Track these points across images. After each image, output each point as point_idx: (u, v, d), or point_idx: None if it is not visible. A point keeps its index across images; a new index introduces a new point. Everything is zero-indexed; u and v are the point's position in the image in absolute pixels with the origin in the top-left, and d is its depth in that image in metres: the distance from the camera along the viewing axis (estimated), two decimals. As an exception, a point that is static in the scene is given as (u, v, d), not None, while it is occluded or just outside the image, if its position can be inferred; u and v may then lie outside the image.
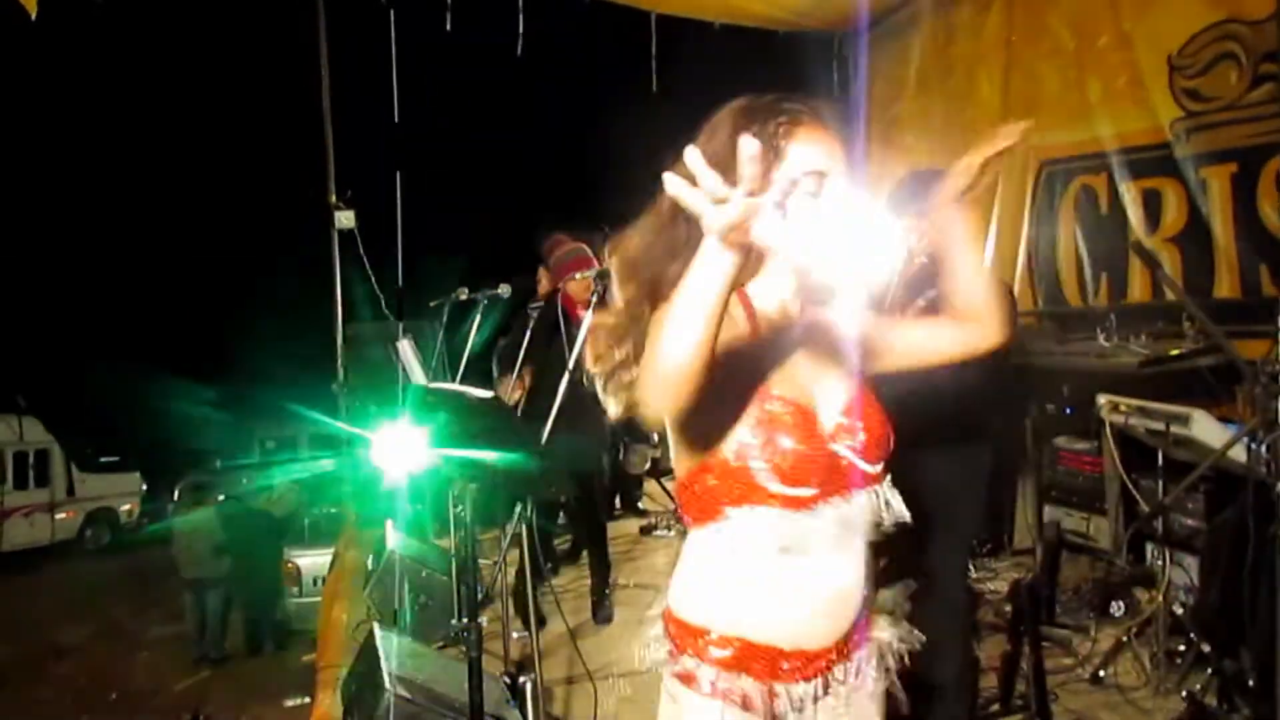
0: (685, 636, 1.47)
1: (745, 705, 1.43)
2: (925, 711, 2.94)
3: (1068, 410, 4.71)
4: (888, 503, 1.48)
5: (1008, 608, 3.89)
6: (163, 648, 11.02)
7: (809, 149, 1.43)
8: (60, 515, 17.20)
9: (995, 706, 3.35)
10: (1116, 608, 4.08)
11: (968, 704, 3.03)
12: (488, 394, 2.24)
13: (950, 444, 2.77)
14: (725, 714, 1.43)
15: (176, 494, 11.41)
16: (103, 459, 18.78)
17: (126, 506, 18.58)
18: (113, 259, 22.69)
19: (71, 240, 22.47)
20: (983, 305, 1.59)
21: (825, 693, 1.48)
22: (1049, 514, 4.75)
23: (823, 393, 1.48)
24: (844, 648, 1.50)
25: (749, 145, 1.01)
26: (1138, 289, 5.09)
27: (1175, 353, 4.16)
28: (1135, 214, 5.05)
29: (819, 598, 1.44)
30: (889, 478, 1.51)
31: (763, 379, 1.41)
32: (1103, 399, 3.77)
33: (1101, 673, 3.60)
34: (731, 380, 1.34)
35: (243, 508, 11.60)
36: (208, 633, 10.47)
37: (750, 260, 1.13)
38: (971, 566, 4.47)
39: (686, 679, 1.46)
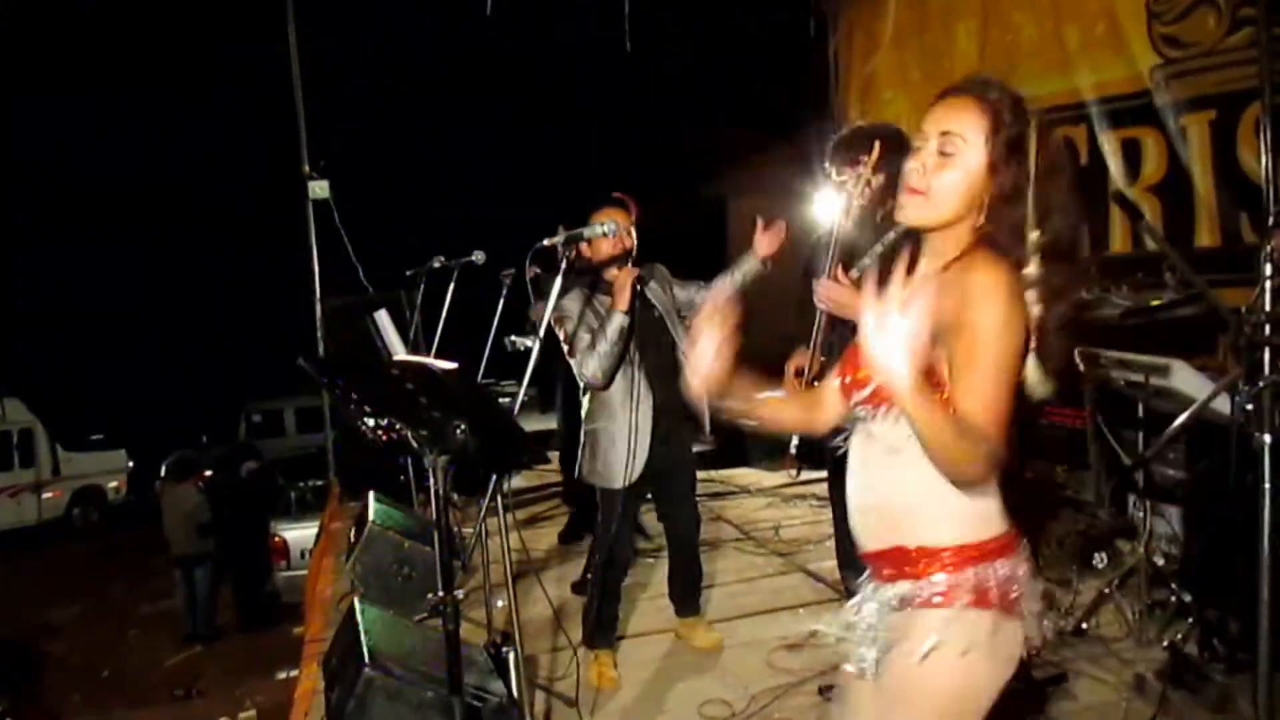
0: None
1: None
2: None
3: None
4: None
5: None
6: (154, 624, 11.02)
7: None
8: (47, 495, 17.09)
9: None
10: (1099, 560, 4.10)
11: None
12: (453, 365, 2.19)
13: None
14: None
15: (163, 471, 11.32)
16: (88, 438, 18.66)
17: (114, 484, 18.48)
18: (90, 236, 22.41)
19: (47, 217, 22.16)
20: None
21: (879, 594, 1.75)
22: (1031, 468, 4.76)
23: None
24: (900, 564, 1.68)
25: None
26: (1118, 240, 5.06)
27: (1156, 303, 4.13)
28: (1115, 164, 5.01)
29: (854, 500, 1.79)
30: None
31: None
32: (1083, 351, 3.75)
33: (1084, 625, 3.61)
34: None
35: (229, 483, 11.55)
36: (198, 608, 10.46)
37: None
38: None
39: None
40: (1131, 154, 4.93)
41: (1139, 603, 3.59)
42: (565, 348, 3.58)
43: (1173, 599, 3.54)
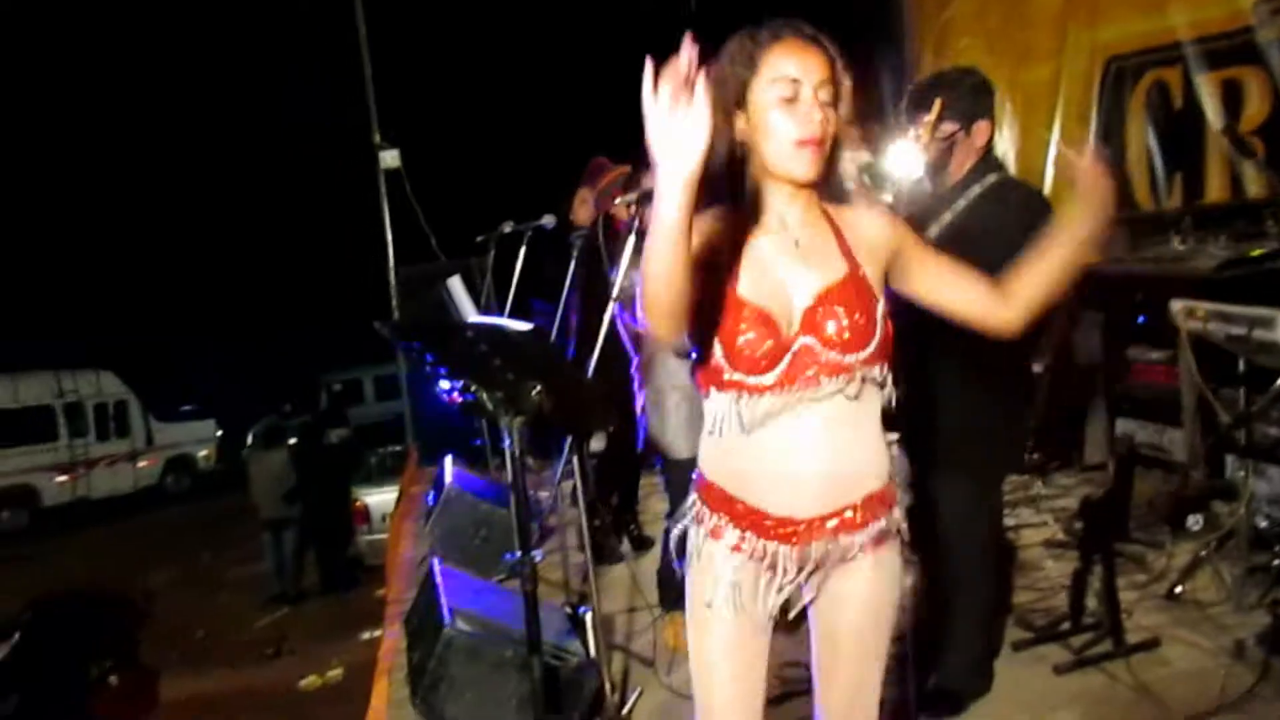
0: (709, 496, 1.68)
1: (756, 558, 1.65)
2: (946, 649, 2.89)
3: (1140, 319, 4.51)
4: (858, 393, 1.61)
5: (1078, 525, 3.78)
6: (243, 587, 11.42)
7: (782, 59, 1.56)
8: (141, 463, 17.83)
9: (1065, 625, 3.27)
10: (1194, 522, 3.94)
11: (982, 645, 2.96)
12: (529, 326, 2.18)
13: (969, 381, 2.64)
14: (741, 565, 1.66)
15: (250, 439, 11.68)
16: (179, 408, 19.38)
17: (204, 453, 19.19)
18: (174, 213, 23.07)
19: (133, 194, 22.85)
20: (1035, 307, 1.74)
21: (829, 559, 1.67)
22: (1121, 428, 4.59)
23: (798, 290, 1.61)
24: (852, 522, 1.65)
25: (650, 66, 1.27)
26: (1215, 188, 4.81)
27: (1257, 253, 3.93)
28: (1212, 107, 4.74)
29: (790, 472, 1.61)
30: (880, 370, 1.64)
31: (734, 282, 1.59)
32: (1177, 304, 3.58)
33: (1178, 589, 3.48)
34: (708, 286, 1.54)
35: (313, 450, 11.87)
36: (285, 571, 10.81)
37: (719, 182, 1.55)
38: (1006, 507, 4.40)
39: (714, 533, 1.67)
40: (1231, 96, 4.67)
41: (1238, 566, 3.44)
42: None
43: (1275, 563, 3.38)
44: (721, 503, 1.66)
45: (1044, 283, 1.72)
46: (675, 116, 1.28)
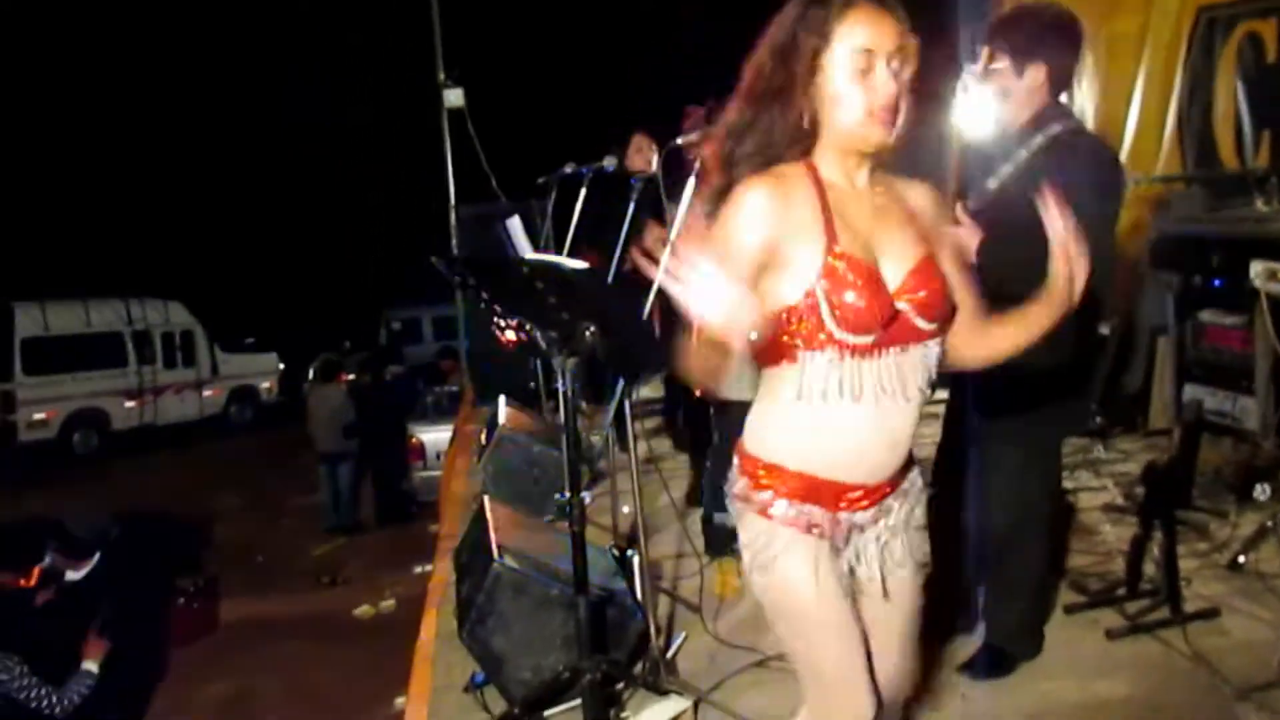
0: (759, 471, 1.64)
1: (811, 531, 1.62)
2: (997, 608, 2.85)
3: (1215, 282, 4.35)
4: (932, 359, 1.62)
5: (1139, 490, 3.70)
6: (302, 516, 11.72)
7: (854, 29, 1.52)
8: (207, 393, 18.29)
9: (1121, 590, 3.21)
10: (1261, 492, 3.84)
11: (1035, 607, 2.90)
12: (584, 265, 2.16)
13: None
14: (794, 540, 1.61)
15: (310, 373, 11.92)
16: (243, 340, 19.81)
17: (266, 385, 19.60)
18: (240, 149, 23.36)
19: (200, 132, 23.19)
20: (995, 360, 1.77)
21: (879, 520, 1.68)
22: (1189, 393, 4.45)
23: (889, 254, 1.60)
24: (897, 482, 1.69)
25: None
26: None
27: (1346, 216, 3.75)
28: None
29: (875, 437, 1.60)
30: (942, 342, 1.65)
31: (833, 241, 1.54)
32: (1258, 266, 3.44)
33: (1241, 559, 3.39)
34: (800, 239, 1.54)
35: (371, 386, 12.08)
36: (341, 503, 11.07)
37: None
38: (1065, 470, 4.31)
39: (762, 510, 1.63)
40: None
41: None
42: None
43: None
44: (790, 480, 1.62)
45: (1014, 343, 1.73)
46: (698, 286, 1.36)
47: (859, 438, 1.59)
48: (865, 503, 1.65)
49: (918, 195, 1.71)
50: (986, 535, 2.78)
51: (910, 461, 1.71)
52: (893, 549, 1.71)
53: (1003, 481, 2.69)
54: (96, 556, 5.20)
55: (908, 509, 1.72)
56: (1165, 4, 5.27)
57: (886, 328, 1.54)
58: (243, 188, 23.69)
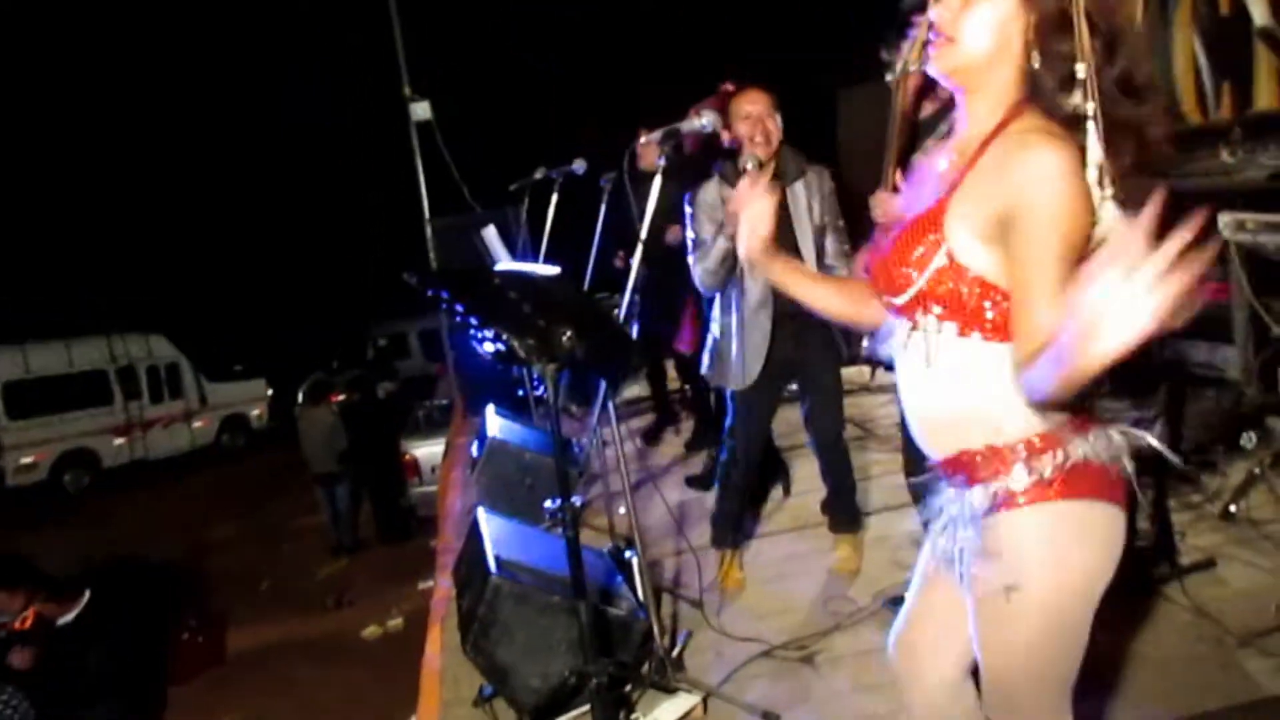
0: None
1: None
2: None
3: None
4: (912, 339, 1.57)
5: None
6: (304, 539, 11.70)
7: None
8: (196, 424, 18.25)
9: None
10: (1247, 440, 3.87)
11: None
12: (556, 270, 2.16)
13: None
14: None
15: (299, 396, 11.89)
16: (230, 368, 19.75)
17: (256, 411, 19.58)
18: (213, 174, 23.27)
19: (171, 161, 23.08)
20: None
21: (949, 505, 1.61)
22: (1171, 347, 4.48)
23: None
24: (954, 470, 1.59)
25: None
26: (1265, 95, 4.59)
27: (1311, 161, 3.78)
28: (1259, 8, 4.53)
29: (905, 409, 1.65)
30: (937, 322, 1.54)
31: None
32: (1226, 217, 3.46)
33: (1233, 508, 3.42)
34: None
35: (361, 404, 12.04)
36: (341, 523, 11.05)
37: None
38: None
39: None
40: (1281, -3, 4.45)
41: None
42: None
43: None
44: None
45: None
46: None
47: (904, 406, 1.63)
48: (940, 477, 1.61)
49: (1014, 163, 1.45)
50: None
51: (995, 458, 1.49)
52: (941, 542, 1.61)
53: None
54: (86, 596, 5.14)
55: (967, 510, 1.53)
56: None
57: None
58: (217, 216, 23.62)
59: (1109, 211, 1.41)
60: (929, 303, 1.49)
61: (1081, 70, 1.38)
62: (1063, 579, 1.49)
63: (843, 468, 3.71)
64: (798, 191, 3.36)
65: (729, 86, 3.90)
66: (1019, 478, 1.47)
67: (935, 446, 1.58)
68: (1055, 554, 1.47)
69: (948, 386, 1.52)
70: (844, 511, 3.75)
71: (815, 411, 3.61)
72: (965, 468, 1.53)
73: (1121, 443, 1.50)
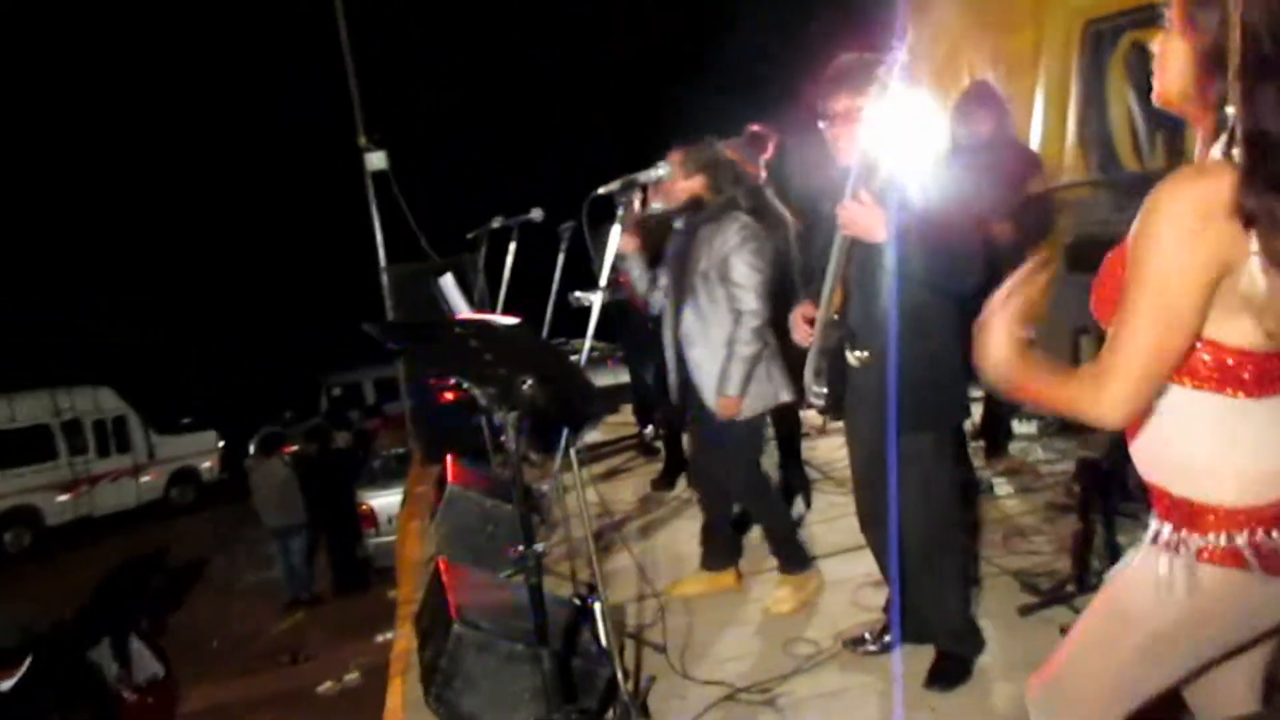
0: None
1: None
2: (938, 615, 2.92)
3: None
4: None
5: (1076, 487, 3.80)
6: (257, 594, 11.47)
7: None
8: (145, 478, 17.86)
9: (1071, 587, 3.29)
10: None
11: (968, 604, 3.06)
12: (515, 320, 2.19)
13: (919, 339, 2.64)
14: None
15: (251, 447, 11.73)
16: (179, 421, 19.40)
17: (207, 464, 19.22)
18: (162, 224, 23.04)
19: (121, 207, 22.82)
20: None
21: None
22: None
23: None
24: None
25: None
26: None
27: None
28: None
29: None
30: None
31: None
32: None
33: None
34: None
35: (315, 455, 11.91)
36: (296, 577, 10.86)
37: None
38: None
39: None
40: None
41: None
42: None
43: None
44: None
45: None
46: None
47: None
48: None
49: None
50: (911, 540, 2.85)
51: (1187, 509, 1.48)
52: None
53: (919, 485, 2.76)
54: (28, 661, 4.98)
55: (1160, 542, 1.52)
56: (1055, 20, 5.51)
57: None
58: (167, 265, 23.35)
59: None
60: None
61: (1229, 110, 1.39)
62: (1156, 616, 1.52)
63: (756, 511, 3.85)
64: (707, 233, 3.50)
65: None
66: (1196, 540, 1.46)
67: (1144, 467, 1.57)
68: (1163, 594, 1.49)
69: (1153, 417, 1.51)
70: (775, 554, 3.80)
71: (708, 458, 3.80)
72: (1160, 499, 1.53)
73: None
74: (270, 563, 11.17)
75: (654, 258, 3.74)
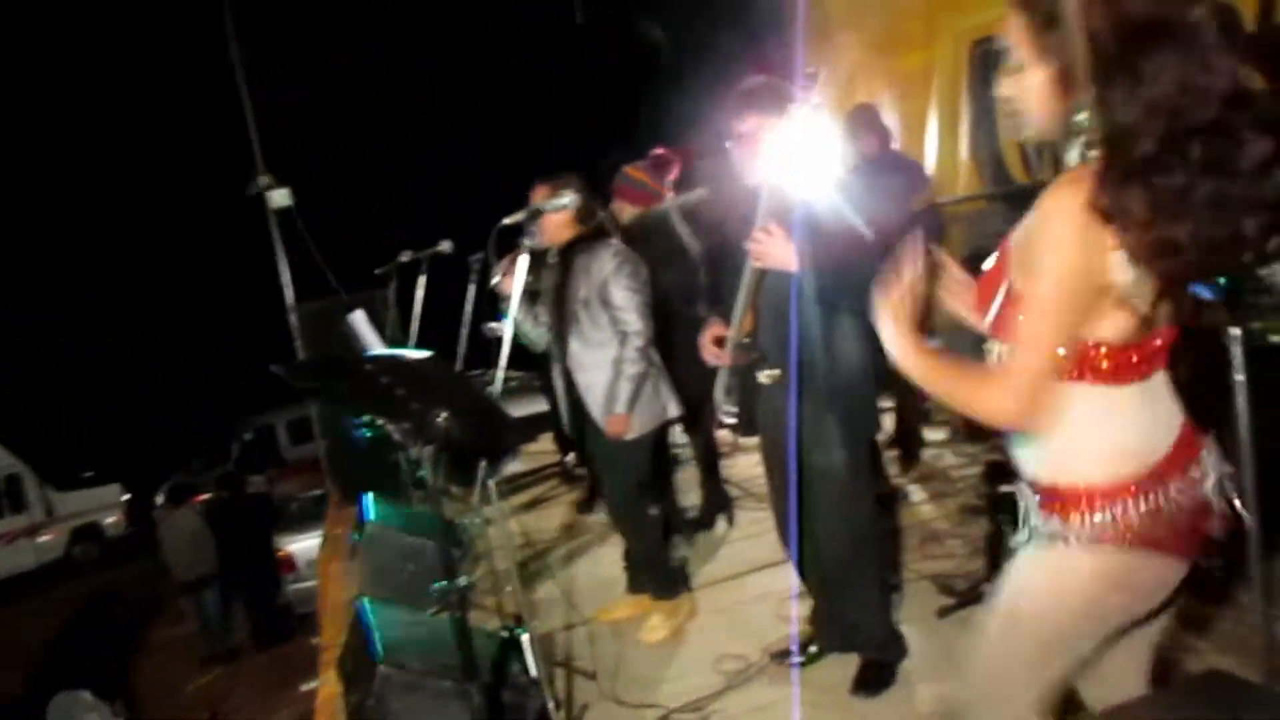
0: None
1: None
2: (862, 622, 2.99)
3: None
4: None
5: (985, 490, 3.93)
6: (172, 650, 11.02)
7: None
8: (44, 538, 17.05)
9: (985, 587, 3.38)
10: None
11: (888, 605, 3.12)
12: (427, 354, 2.18)
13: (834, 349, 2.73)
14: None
15: (159, 499, 11.30)
16: (79, 476, 18.59)
17: (111, 519, 18.43)
18: (54, 272, 22.19)
19: (8, 258, 21.91)
20: None
21: None
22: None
23: None
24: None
25: None
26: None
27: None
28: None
29: None
30: None
31: None
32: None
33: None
34: None
35: (227, 503, 11.53)
36: (213, 631, 10.47)
37: None
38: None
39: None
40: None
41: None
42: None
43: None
44: None
45: None
46: None
47: None
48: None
49: None
50: (831, 554, 2.91)
51: (1064, 497, 1.56)
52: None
53: (835, 492, 2.82)
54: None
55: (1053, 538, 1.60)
56: (944, 41, 5.74)
57: None
58: (60, 313, 22.46)
59: None
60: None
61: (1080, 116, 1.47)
62: (1057, 593, 1.60)
63: (628, 534, 3.87)
64: (584, 262, 3.54)
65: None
66: (1076, 523, 1.54)
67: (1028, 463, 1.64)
68: (1062, 574, 1.58)
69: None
70: (647, 579, 3.85)
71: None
72: (1046, 493, 1.59)
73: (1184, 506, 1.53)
74: (181, 618, 10.75)
75: (531, 294, 3.75)
